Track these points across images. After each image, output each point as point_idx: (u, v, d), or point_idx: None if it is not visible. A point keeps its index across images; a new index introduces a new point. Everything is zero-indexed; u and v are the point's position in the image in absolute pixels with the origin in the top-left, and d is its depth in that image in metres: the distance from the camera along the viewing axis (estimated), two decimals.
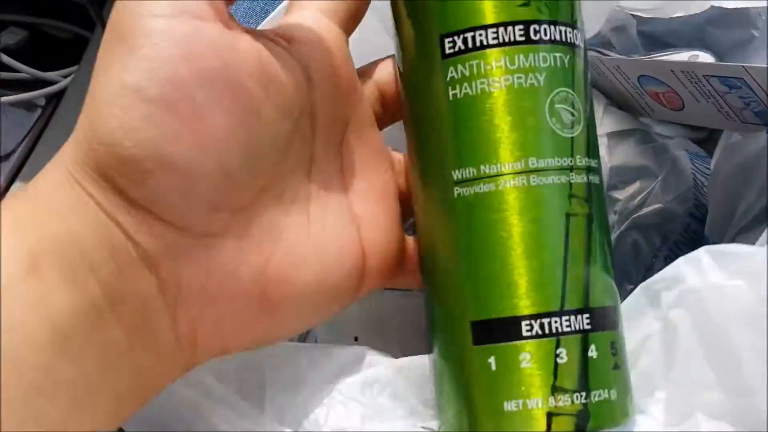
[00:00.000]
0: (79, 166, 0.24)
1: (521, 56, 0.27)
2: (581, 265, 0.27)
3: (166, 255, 0.25)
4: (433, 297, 0.29)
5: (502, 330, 0.27)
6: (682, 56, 0.48)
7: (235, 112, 0.25)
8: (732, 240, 0.42)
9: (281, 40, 0.28)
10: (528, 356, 0.26)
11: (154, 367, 0.25)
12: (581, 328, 0.26)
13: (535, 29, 0.27)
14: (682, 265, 0.28)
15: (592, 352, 0.26)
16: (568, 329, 0.26)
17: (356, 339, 0.31)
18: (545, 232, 0.27)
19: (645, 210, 0.48)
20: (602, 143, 0.51)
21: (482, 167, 0.27)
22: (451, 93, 0.27)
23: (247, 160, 0.26)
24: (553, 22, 0.27)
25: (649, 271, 0.48)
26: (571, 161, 0.27)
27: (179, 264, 0.25)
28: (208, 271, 0.25)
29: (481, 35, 0.27)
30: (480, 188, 0.27)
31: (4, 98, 0.74)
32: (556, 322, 0.26)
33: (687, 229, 0.49)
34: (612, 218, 0.48)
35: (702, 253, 0.27)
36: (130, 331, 0.24)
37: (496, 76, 0.27)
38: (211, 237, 0.26)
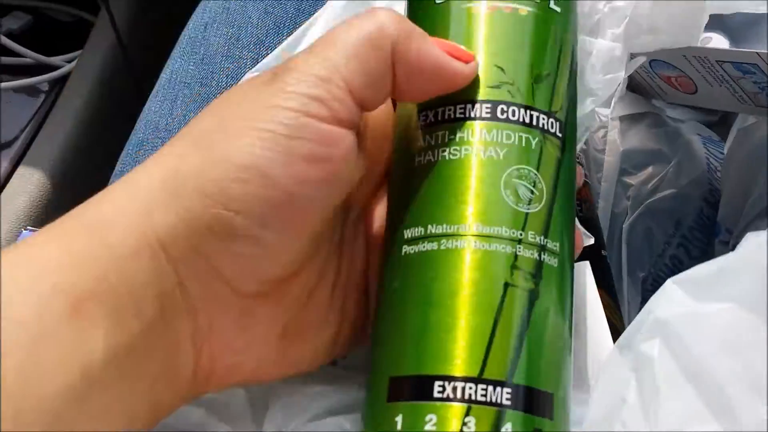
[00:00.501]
0: (163, 207, 0.24)
1: (484, 131, 0.28)
2: (512, 337, 0.25)
3: (208, 304, 0.26)
4: (371, 350, 0.28)
5: (414, 388, 0.25)
6: None
7: (331, 207, 0.27)
8: (745, 228, 0.42)
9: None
10: (434, 419, 0.25)
11: (169, 401, 0.26)
12: (498, 401, 0.25)
13: (502, 109, 0.28)
14: (651, 302, 0.27)
15: (506, 430, 0.24)
16: (482, 399, 0.25)
17: None
18: (478, 296, 0.26)
19: (658, 195, 0.48)
20: (614, 126, 0.51)
21: (429, 227, 0.27)
22: (417, 159, 0.29)
23: (312, 243, 0.28)
24: (523, 106, 0.28)
25: (660, 258, 0.48)
26: (521, 234, 0.27)
27: (216, 315, 0.26)
28: (240, 328, 0.27)
29: (450, 110, 0.28)
30: (424, 247, 0.27)
31: (7, 83, 0.73)
32: (470, 388, 0.25)
33: (701, 215, 0.48)
34: (625, 204, 0.48)
35: (669, 284, 0.27)
36: (156, 374, 0.25)
37: (458, 146, 0.28)
38: (254, 297, 0.27)
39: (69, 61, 0.76)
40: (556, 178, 0.28)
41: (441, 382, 0.25)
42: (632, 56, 0.39)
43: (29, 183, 0.68)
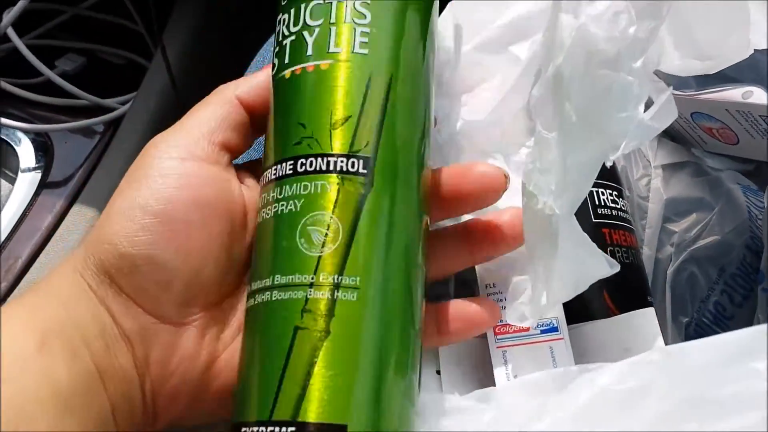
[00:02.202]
0: (84, 262, 0.31)
1: (286, 187, 0.30)
2: (299, 377, 0.27)
3: (140, 336, 0.31)
4: None
5: None
6: (736, 93, 0.49)
7: (217, 231, 0.32)
8: None
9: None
10: None
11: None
12: None
13: (301, 163, 0.30)
14: None
15: None
16: None
17: (438, 372, 0.33)
18: (269, 344, 0.28)
19: (701, 242, 0.49)
20: (657, 174, 0.52)
21: (253, 284, 0.30)
22: (257, 217, 0.32)
23: (219, 270, 0.32)
24: (320, 155, 0.30)
25: (704, 304, 0.49)
26: (312, 278, 0.28)
27: (149, 344, 0.31)
28: (171, 352, 0.31)
29: (269, 171, 0.31)
30: (251, 302, 0.30)
31: (64, 125, 0.76)
32: (261, 431, 0.27)
33: (743, 262, 0.49)
34: (669, 250, 0.49)
35: None
36: (114, 400, 0.30)
37: (270, 206, 0.31)
38: (179, 325, 0.31)
39: (123, 103, 0.78)
40: (357, 214, 0.29)
41: (244, 429, 0.28)
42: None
43: (84, 220, 0.70)
